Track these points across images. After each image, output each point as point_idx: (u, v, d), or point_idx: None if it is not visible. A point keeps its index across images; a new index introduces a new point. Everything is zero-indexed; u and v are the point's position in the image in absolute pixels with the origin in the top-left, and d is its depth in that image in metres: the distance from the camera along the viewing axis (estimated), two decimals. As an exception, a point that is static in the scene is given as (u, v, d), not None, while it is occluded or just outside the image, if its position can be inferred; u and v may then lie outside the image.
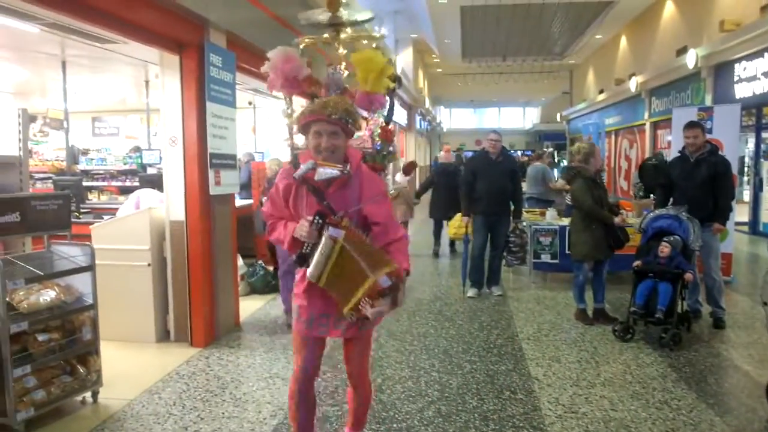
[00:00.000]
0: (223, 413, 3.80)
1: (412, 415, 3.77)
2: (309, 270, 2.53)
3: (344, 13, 3.55)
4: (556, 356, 4.93)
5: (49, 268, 3.79)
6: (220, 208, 5.35)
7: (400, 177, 10.51)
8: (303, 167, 2.54)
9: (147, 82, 9.19)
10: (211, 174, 5.11)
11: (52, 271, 3.80)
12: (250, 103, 11.02)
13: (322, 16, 3.59)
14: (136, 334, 5.13)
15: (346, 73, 3.44)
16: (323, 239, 2.46)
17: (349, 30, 3.65)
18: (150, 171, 9.18)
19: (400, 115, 20.68)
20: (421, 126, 27.97)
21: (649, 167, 12.99)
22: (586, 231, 5.72)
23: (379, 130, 3.50)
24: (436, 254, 10.02)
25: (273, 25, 6.63)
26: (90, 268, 3.90)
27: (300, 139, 3.21)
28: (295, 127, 3.27)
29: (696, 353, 4.98)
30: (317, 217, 2.48)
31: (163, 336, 5.26)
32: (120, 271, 5.08)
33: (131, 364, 4.68)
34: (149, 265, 5.12)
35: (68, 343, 3.76)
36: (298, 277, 2.79)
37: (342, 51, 3.59)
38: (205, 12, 4.90)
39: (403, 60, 19.21)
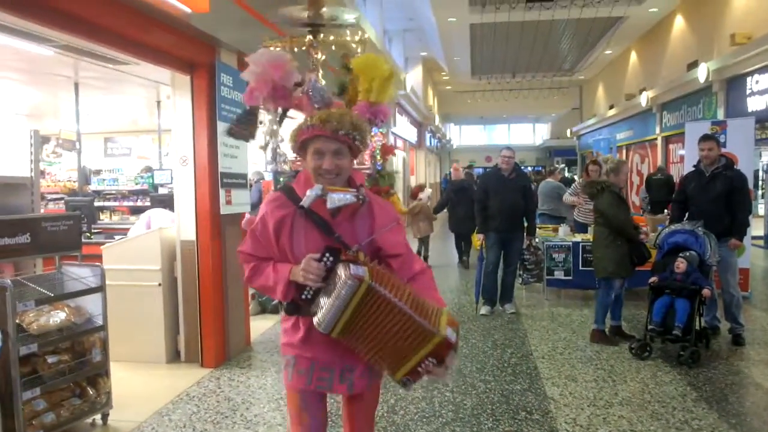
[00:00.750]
0: (233, 436, 3.75)
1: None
2: (317, 318, 2.01)
3: (326, 12, 3.18)
4: (572, 375, 4.84)
5: (59, 289, 3.78)
6: (230, 227, 5.33)
7: (425, 194, 10.60)
8: (310, 193, 2.08)
9: (159, 102, 9.25)
10: (221, 193, 5.10)
11: (63, 293, 3.78)
12: (261, 123, 11.06)
13: (302, 13, 3.20)
14: (146, 355, 5.09)
15: (323, 82, 3.06)
16: (339, 281, 1.95)
17: (327, 36, 3.28)
18: (161, 191, 9.21)
19: (410, 133, 20.72)
20: (431, 143, 27.99)
21: (656, 182, 12.93)
22: (610, 247, 5.59)
23: (380, 147, 3.18)
24: (465, 265, 10.63)
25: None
26: (100, 289, 3.88)
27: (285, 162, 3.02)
28: (279, 148, 2.96)
29: (716, 371, 4.87)
30: (328, 254, 2.04)
31: (174, 357, 5.22)
32: (131, 291, 5.06)
33: (142, 385, 4.64)
34: (160, 285, 5.10)
35: (78, 364, 3.73)
36: (287, 325, 2.28)
37: (320, 56, 3.23)
38: (216, 32, 4.92)
39: (413, 78, 19.27)
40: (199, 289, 5.10)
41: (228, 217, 5.25)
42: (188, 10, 4.46)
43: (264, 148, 3.08)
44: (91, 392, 3.80)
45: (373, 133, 3.18)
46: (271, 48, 3.07)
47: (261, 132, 3.15)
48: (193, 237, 5.08)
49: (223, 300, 5.21)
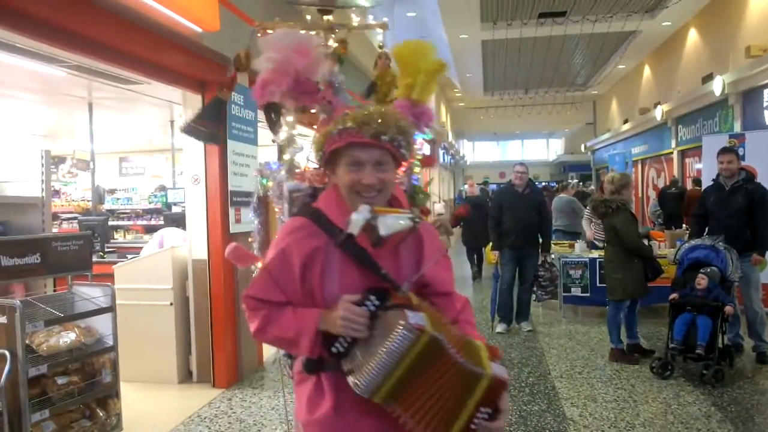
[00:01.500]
0: (245, 459, 3.67)
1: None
2: (357, 378, 1.54)
3: None
4: (591, 395, 4.71)
5: (69, 309, 3.75)
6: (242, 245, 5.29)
7: (439, 207, 10.63)
8: (357, 218, 1.63)
9: (172, 122, 9.32)
10: (231, 212, 5.08)
11: (73, 313, 3.75)
12: (273, 141, 11.09)
13: None
14: (158, 375, 5.05)
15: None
16: (393, 331, 1.51)
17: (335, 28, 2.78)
18: (175, 209, 9.22)
19: (423, 149, 20.65)
20: (444, 160, 27.97)
21: (671, 195, 12.76)
22: (626, 268, 5.44)
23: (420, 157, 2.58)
24: (477, 275, 11.06)
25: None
26: (111, 309, 3.85)
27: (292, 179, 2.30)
28: (299, 159, 2.29)
29: (741, 390, 4.72)
30: (372, 296, 1.61)
31: (186, 377, 5.17)
32: (142, 310, 5.03)
33: (152, 406, 4.58)
34: (172, 304, 5.06)
35: (88, 386, 3.69)
36: (305, 391, 1.76)
37: (331, 44, 2.75)
38: (227, 51, 4.93)
39: (425, 95, 19.36)
40: (211, 309, 5.06)
41: (239, 236, 5.21)
42: (199, 29, 4.49)
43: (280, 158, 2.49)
44: (101, 414, 3.75)
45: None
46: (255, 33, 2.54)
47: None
48: (205, 256, 5.05)
49: (235, 319, 5.16)
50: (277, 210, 2.27)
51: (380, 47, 2.85)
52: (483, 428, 1.55)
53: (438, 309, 1.71)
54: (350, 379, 1.55)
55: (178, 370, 5.10)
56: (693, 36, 15.84)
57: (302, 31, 2.43)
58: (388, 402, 1.53)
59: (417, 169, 2.55)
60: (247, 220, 5.18)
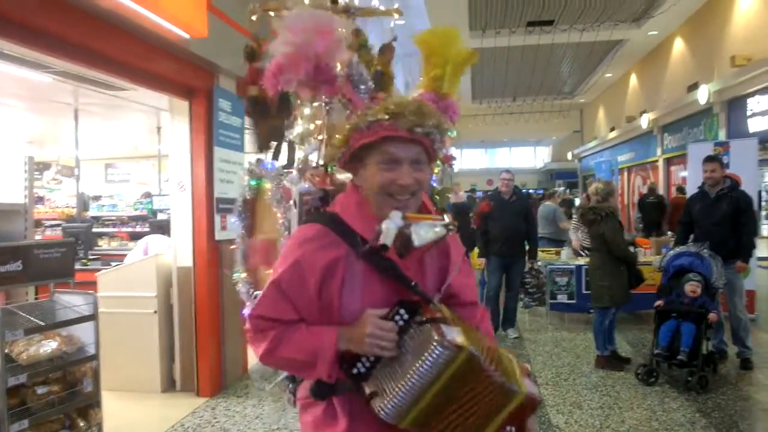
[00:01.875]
0: (228, 468, 3.63)
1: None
2: (382, 402, 1.37)
3: None
4: (577, 402, 4.71)
5: (50, 317, 3.69)
6: (227, 253, 5.26)
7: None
8: (390, 226, 1.44)
9: (159, 128, 9.27)
10: (217, 219, 5.05)
11: (54, 321, 3.69)
12: (260, 149, 11.07)
13: None
14: (141, 384, 4.99)
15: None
16: (428, 349, 1.35)
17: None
18: (160, 216, 9.16)
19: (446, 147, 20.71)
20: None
21: (649, 204, 12.88)
22: (613, 275, 5.46)
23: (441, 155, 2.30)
24: None
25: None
26: (93, 317, 3.80)
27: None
28: (318, 157, 2.01)
29: (724, 397, 4.74)
30: (402, 310, 1.45)
31: (169, 385, 5.11)
32: (126, 318, 4.98)
33: (135, 415, 4.53)
34: (155, 312, 5.01)
35: (68, 395, 3.62)
36: (312, 417, 1.62)
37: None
38: (214, 58, 4.92)
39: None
40: (195, 316, 5.02)
41: (225, 243, 5.19)
42: (187, 35, 4.47)
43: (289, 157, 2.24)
44: (81, 424, 3.69)
45: None
46: (251, 12, 2.34)
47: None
48: (189, 263, 5.01)
49: (219, 327, 5.12)
50: (279, 216, 2.01)
51: (394, 39, 2.53)
52: None
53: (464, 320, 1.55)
54: (374, 404, 1.39)
55: (161, 378, 5.05)
56: (679, 45, 16.02)
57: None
58: (415, 427, 1.40)
59: (437, 169, 2.36)
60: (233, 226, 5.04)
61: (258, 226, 2.35)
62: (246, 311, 2.24)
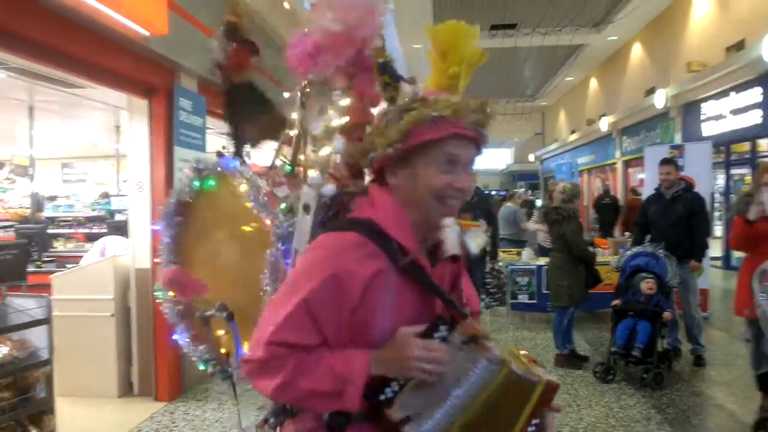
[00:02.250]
0: (187, 473, 3.58)
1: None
2: (420, 428, 1.27)
3: None
4: (537, 401, 4.78)
5: (1, 322, 3.58)
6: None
7: None
8: (452, 234, 1.36)
9: (118, 127, 9.08)
10: (178, 219, 4.97)
11: (5, 325, 3.58)
12: (224, 148, 10.94)
13: None
14: (97, 389, 4.87)
15: None
16: (480, 366, 1.30)
17: None
18: (118, 217, 8.97)
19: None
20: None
21: (604, 205, 13.22)
22: (572, 275, 5.58)
23: None
24: None
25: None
26: (46, 321, 3.69)
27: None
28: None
29: (678, 393, 4.88)
30: (442, 326, 1.32)
31: (126, 390, 5.00)
32: (81, 322, 4.85)
33: (91, 421, 4.43)
34: (112, 315, 4.90)
35: (20, 402, 3.51)
36: None
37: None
38: (175, 56, 4.84)
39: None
40: (154, 319, 4.92)
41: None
42: (146, 33, 4.39)
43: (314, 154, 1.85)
44: (34, 431, 3.59)
45: None
46: None
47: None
48: (148, 265, 4.91)
49: (179, 330, 5.03)
50: (268, 222, 1.76)
51: None
52: None
53: None
54: (409, 430, 1.27)
55: (118, 383, 4.94)
56: (637, 50, 16.41)
57: None
58: None
59: None
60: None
61: (191, 238, 2.05)
62: (179, 336, 2.16)
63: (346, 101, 1.71)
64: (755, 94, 10.54)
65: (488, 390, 1.29)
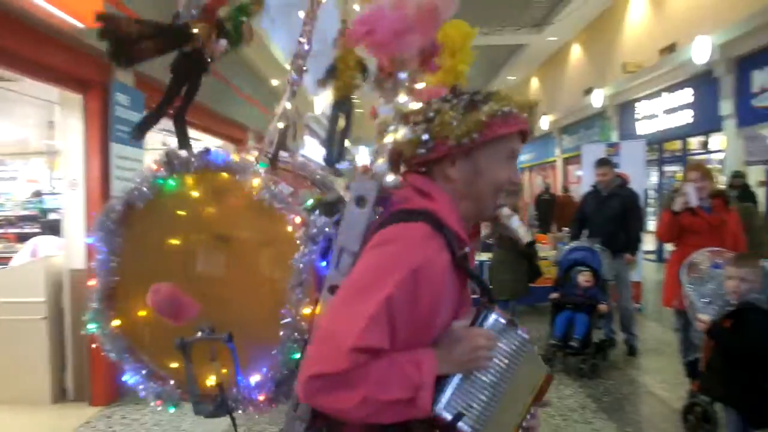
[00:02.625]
0: (125, 478, 3.48)
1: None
2: (473, 421, 1.22)
3: None
4: (479, 393, 4.88)
5: None
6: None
7: None
8: (518, 224, 1.47)
9: (51, 122, 8.73)
10: (115, 218, 4.82)
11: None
12: (164, 144, 10.68)
13: None
14: (28, 395, 4.66)
15: None
16: (524, 349, 1.33)
17: None
18: (52, 216, 8.64)
19: (320, 156, 20.66)
20: (341, 166, 28.07)
21: (543, 201, 13.62)
22: (514, 269, 5.74)
23: None
24: None
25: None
26: (-29, 324, 3.53)
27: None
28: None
29: (613, 381, 5.07)
30: (489, 314, 1.29)
31: (60, 396, 4.80)
32: (11, 325, 4.64)
33: (23, 429, 4.25)
34: (45, 318, 4.71)
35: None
36: None
37: None
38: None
39: (324, 100, 19.32)
40: (90, 321, 4.76)
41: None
42: (81, 25, 4.23)
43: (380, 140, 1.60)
44: (-41, 440, 3.42)
45: None
46: None
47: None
48: (83, 265, 4.74)
49: (117, 331, 4.88)
50: (298, 220, 1.51)
51: (343, 21, 2.25)
52: (533, 422, 1.40)
53: None
54: (464, 425, 1.21)
55: (51, 388, 4.73)
56: (576, 51, 16.90)
57: None
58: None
59: None
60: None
61: (142, 252, 1.67)
62: (130, 377, 1.67)
63: (421, 85, 1.61)
64: (686, 94, 11.05)
65: (520, 370, 1.31)
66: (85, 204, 4.76)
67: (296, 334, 1.45)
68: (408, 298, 1.18)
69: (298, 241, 1.48)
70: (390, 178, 1.41)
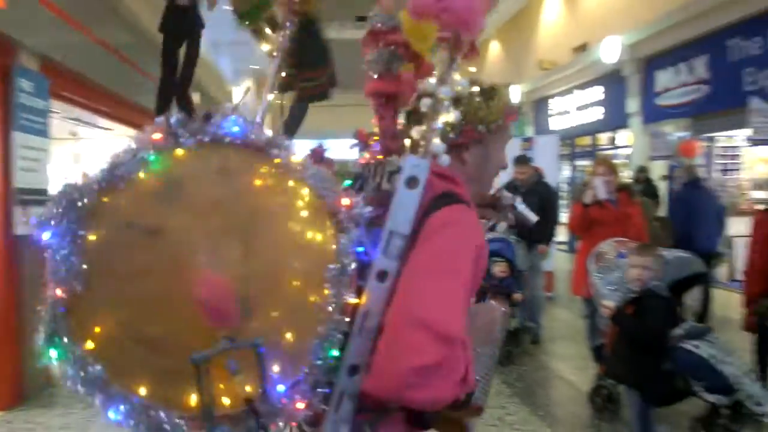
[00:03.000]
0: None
1: None
2: (478, 393, 1.37)
3: None
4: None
5: None
6: (30, 249, 4.77)
7: None
8: (521, 204, 1.63)
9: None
10: (16, 211, 4.55)
11: None
12: (73, 134, 10.13)
13: None
14: None
15: None
16: (501, 321, 1.51)
17: None
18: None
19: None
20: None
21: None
22: None
23: None
24: None
25: (96, 50, 6.18)
26: None
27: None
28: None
29: (525, 367, 5.30)
30: (486, 293, 1.47)
31: (-44, 400, 4.51)
32: None
33: None
34: (-61, 318, 4.39)
35: None
36: None
37: None
38: (15, 33, 4.42)
39: (242, 91, 18.87)
40: (-10, 321, 4.47)
41: (27, 238, 4.69)
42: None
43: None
44: None
45: None
46: None
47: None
48: (-14, 264, 4.45)
49: (15, 330, 4.58)
50: (347, 202, 1.36)
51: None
52: None
53: None
54: (475, 398, 1.33)
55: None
56: (495, 48, 17.35)
57: None
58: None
59: None
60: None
61: (119, 248, 1.24)
62: (116, 414, 1.22)
63: (473, 68, 1.62)
64: (597, 92, 11.58)
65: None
66: (-15, 197, 4.47)
67: (338, 327, 1.28)
68: (473, 274, 1.24)
69: (337, 225, 1.33)
70: (444, 158, 1.39)
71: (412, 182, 1.29)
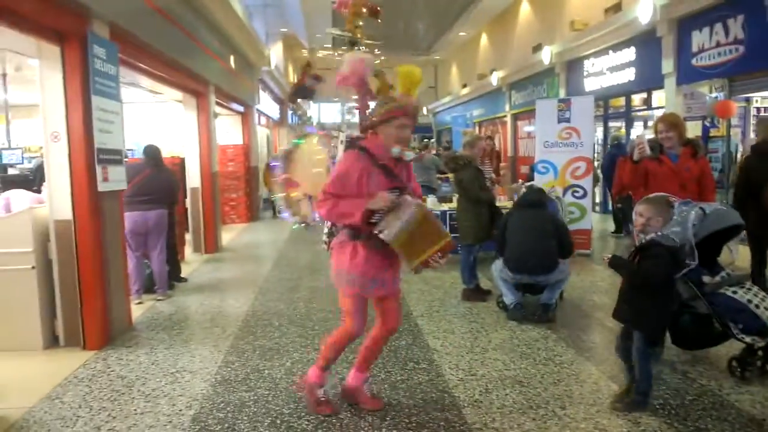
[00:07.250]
0: (135, 410, 3.74)
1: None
2: (386, 233, 3.11)
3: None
4: (449, 329, 5.32)
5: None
6: (109, 204, 5.17)
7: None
8: (396, 150, 3.28)
9: (4, 75, 8.49)
10: (98, 170, 4.92)
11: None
12: (153, 94, 10.51)
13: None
14: (20, 342, 4.81)
15: None
16: (407, 208, 3.13)
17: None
18: (11, 172, 8.51)
19: (273, 110, 20.52)
20: (292, 120, 27.86)
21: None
22: (475, 215, 6.17)
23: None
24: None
25: (157, 17, 6.47)
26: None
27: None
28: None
29: (569, 317, 5.60)
30: (395, 190, 3.19)
31: (52, 342, 4.98)
32: (0, 275, 4.76)
33: (20, 373, 4.41)
34: (33, 267, 4.83)
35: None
36: (346, 252, 3.33)
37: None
38: (88, 1, 4.72)
39: (275, 54, 19.03)
40: (78, 270, 4.90)
41: (106, 195, 5.08)
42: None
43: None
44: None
45: None
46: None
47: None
48: (69, 216, 4.85)
49: (103, 280, 5.04)
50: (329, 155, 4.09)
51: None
52: (434, 262, 3.29)
53: None
54: (382, 234, 3.14)
55: (43, 335, 4.89)
56: (525, 8, 17.22)
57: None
58: (399, 245, 3.17)
59: None
60: (115, 178, 5.64)
61: (293, 169, 4.03)
62: (286, 215, 4.02)
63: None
64: (630, 53, 11.57)
65: (416, 218, 3.14)
66: (68, 156, 4.83)
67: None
68: (349, 175, 3.25)
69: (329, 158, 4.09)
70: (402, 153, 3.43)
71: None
